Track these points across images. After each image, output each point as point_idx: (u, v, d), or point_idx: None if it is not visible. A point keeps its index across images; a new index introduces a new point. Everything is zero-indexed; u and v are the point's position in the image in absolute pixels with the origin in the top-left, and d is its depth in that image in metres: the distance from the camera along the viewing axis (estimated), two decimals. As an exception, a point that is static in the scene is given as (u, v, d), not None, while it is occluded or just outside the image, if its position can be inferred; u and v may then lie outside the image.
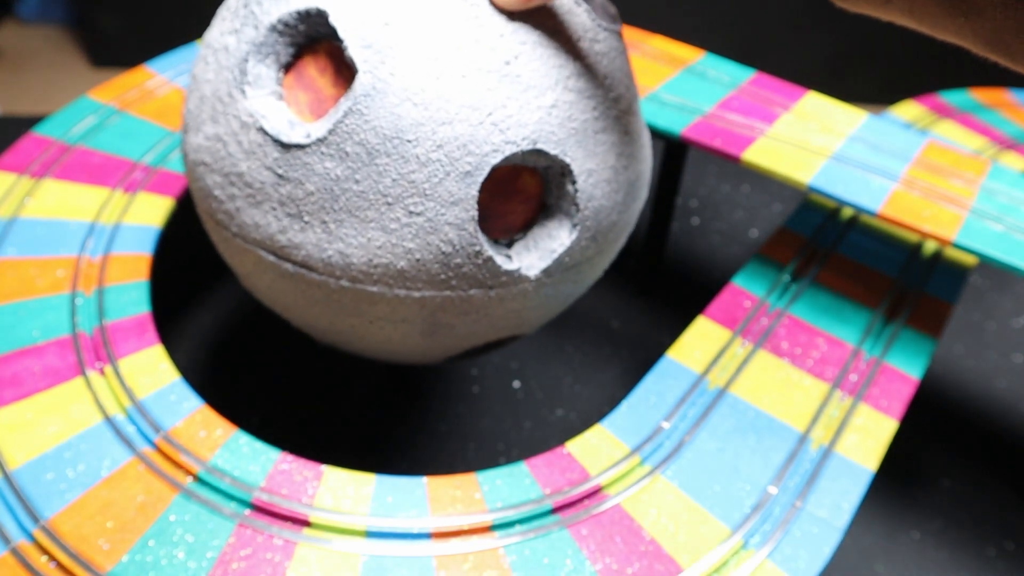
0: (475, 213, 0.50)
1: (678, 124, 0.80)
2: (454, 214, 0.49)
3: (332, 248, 0.51)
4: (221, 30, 0.54)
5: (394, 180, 0.48)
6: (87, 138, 0.78)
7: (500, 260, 0.52)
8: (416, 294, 0.52)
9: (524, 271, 0.53)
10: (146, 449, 0.53)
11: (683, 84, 0.87)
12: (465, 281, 0.52)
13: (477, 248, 0.51)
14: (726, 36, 1.47)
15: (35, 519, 0.48)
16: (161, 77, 0.88)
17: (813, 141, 0.79)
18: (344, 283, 0.52)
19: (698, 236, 1.13)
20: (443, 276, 0.51)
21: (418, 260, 0.50)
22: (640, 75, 0.88)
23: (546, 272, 0.54)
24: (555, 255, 0.54)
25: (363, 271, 0.51)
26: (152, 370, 0.58)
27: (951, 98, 1.14)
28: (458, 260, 0.51)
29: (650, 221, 0.97)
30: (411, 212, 0.49)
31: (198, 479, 0.52)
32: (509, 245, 0.55)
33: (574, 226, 0.54)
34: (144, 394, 0.56)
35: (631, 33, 0.97)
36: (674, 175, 0.94)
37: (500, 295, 0.54)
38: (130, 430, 0.54)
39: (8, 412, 0.54)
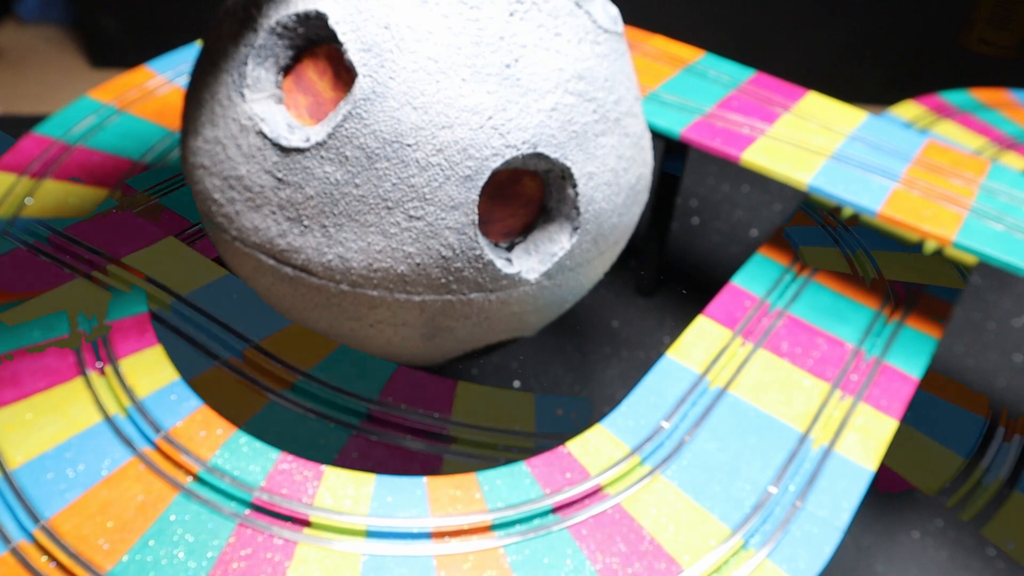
0: (475, 217, 0.50)
1: (678, 124, 0.80)
2: (454, 218, 0.49)
3: (332, 252, 0.51)
4: (220, 32, 0.54)
5: (394, 184, 0.48)
6: (87, 138, 0.78)
7: (500, 264, 0.52)
8: (416, 298, 0.52)
9: (524, 275, 0.53)
10: (146, 449, 0.53)
11: (683, 84, 0.87)
12: (465, 285, 0.52)
13: (477, 252, 0.51)
14: (726, 36, 1.47)
15: (35, 519, 0.49)
16: (161, 77, 0.88)
17: (813, 141, 0.79)
18: (344, 287, 0.52)
19: (698, 236, 1.13)
20: (443, 280, 0.51)
21: (418, 264, 0.50)
22: (640, 75, 0.88)
23: (546, 275, 0.54)
24: (555, 258, 0.54)
25: (363, 275, 0.51)
26: (152, 370, 0.58)
27: (951, 98, 1.14)
28: (458, 264, 0.51)
29: (650, 221, 0.97)
30: (411, 216, 0.49)
31: (198, 479, 0.52)
32: (509, 249, 0.55)
33: (575, 229, 0.54)
34: (144, 394, 0.56)
35: (631, 33, 0.97)
36: (674, 175, 0.94)
37: (500, 298, 0.54)
38: (130, 430, 0.54)
39: (8, 412, 0.54)
